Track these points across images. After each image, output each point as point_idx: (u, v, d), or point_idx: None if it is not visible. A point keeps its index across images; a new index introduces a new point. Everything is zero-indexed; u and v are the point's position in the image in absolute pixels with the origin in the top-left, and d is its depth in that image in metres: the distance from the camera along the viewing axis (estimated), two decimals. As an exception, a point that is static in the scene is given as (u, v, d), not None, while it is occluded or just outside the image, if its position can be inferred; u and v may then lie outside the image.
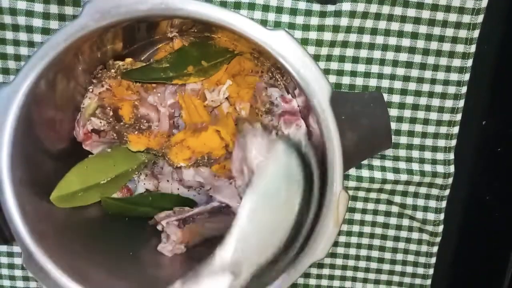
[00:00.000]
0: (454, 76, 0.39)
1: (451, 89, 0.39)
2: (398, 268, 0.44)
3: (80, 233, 0.35)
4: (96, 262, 0.33)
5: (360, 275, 0.44)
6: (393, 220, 0.43)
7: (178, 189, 0.39)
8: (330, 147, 0.29)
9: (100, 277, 0.32)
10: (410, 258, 0.43)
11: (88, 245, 0.34)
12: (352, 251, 0.43)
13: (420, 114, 0.40)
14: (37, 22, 0.37)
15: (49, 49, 0.28)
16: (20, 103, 0.28)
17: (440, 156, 0.41)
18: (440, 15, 0.38)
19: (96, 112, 0.36)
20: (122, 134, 0.36)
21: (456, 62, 0.39)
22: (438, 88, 0.39)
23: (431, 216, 0.42)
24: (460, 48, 0.38)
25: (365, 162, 0.41)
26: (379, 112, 0.30)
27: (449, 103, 0.40)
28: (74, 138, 0.36)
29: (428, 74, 0.39)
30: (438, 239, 0.42)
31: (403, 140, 0.40)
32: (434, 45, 0.38)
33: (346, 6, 0.37)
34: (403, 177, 0.40)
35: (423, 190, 0.41)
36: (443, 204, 0.41)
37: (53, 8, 0.37)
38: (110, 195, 0.37)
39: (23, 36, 0.37)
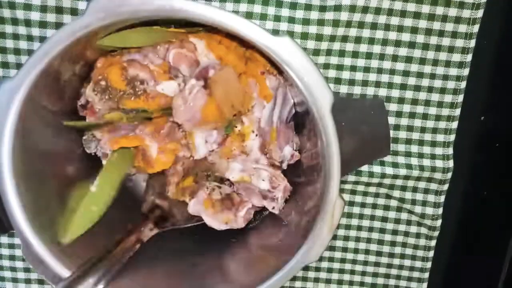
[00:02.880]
0: (453, 71, 0.39)
1: (451, 84, 0.39)
2: (396, 261, 0.44)
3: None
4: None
5: (359, 268, 0.44)
6: (391, 214, 0.43)
7: None
8: (328, 154, 0.29)
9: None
10: (408, 251, 0.44)
11: (88, 236, 0.34)
12: (351, 245, 0.44)
13: (419, 109, 0.40)
14: (35, 16, 0.37)
15: (53, 46, 0.28)
16: (22, 98, 0.29)
17: (439, 151, 0.41)
18: (440, 10, 0.37)
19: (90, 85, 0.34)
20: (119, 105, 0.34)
21: (456, 57, 0.39)
22: (438, 83, 0.39)
23: (429, 210, 0.42)
24: (459, 43, 0.38)
25: (364, 156, 0.41)
26: (380, 120, 0.30)
27: (448, 98, 0.40)
28: (76, 131, 0.36)
29: (427, 69, 0.39)
30: (436, 233, 0.43)
31: (402, 135, 0.41)
32: (433, 40, 0.38)
33: (346, 1, 0.36)
34: (402, 171, 0.40)
35: (422, 184, 0.41)
36: (442, 198, 0.42)
37: (51, 1, 0.36)
38: None
39: (22, 30, 0.37)
